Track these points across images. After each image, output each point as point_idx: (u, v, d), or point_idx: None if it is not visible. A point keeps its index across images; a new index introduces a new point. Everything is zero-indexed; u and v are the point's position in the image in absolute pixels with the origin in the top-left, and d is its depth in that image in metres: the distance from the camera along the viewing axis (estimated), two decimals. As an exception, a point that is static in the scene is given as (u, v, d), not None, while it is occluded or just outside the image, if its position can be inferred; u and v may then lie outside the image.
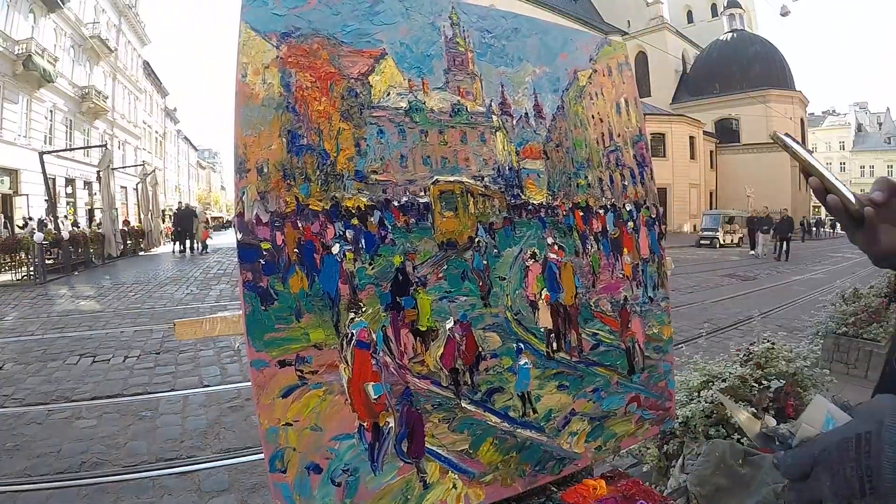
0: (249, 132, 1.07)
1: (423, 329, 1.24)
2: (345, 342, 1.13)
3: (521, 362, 1.39)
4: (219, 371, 4.73)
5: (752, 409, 2.10)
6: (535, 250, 1.47)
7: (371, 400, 1.15)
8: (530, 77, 1.53)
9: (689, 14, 43.72)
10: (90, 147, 21.41)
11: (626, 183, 1.74)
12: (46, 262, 11.73)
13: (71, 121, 21.71)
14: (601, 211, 1.65)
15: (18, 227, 13.47)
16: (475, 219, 1.36)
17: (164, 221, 22.39)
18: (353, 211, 1.18)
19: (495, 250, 1.39)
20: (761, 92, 35.16)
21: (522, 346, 1.40)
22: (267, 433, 1.03)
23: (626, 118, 1.75)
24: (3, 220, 15.00)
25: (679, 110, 36.34)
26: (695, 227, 27.92)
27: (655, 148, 29.81)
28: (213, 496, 2.65)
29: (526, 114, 1.51)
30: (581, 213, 1.59)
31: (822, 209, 0.83)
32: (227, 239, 23.57)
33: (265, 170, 1.08)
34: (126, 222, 20.48)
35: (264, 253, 1.06)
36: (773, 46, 37.67)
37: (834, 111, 65.98)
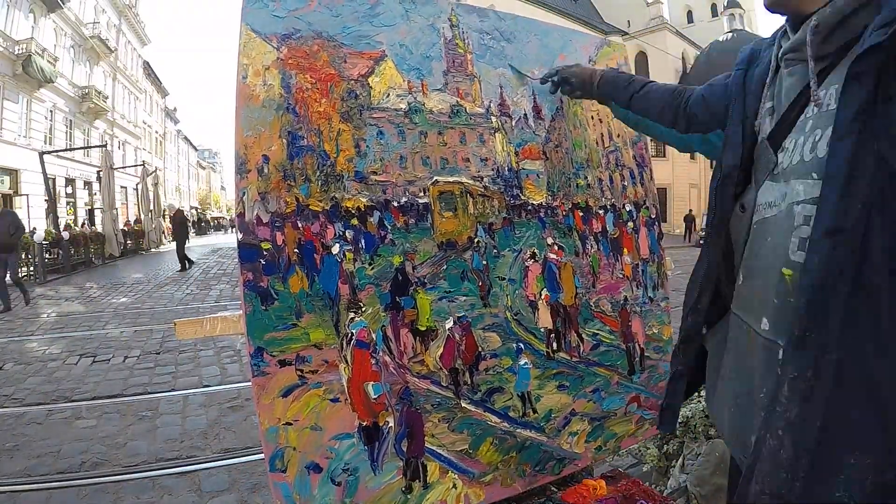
0: (250, 133, 1.07)
1: (423, 329, 1.25)
2: (344, 342, 1.13)
3: (521, 362, 1.39)
4: (218, 371, 4.73)
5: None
6: (535, 250, 1.47)
7: (371, 399, 1.15)
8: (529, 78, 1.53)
9: (689, 14, 43.71)
10: (90, 147, 21.40)
11: (625, 183, 1.74)
12: (46, 261, 11.74)
13: (71, 121, 21.69)
14: (601, 211, 1.65)
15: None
16: (475, 219, 1.37)
17: (165, 221, 22.40)
18: (353, 211, 1.19)
19: (495, 250, 1.40)
20: (761, 92, 35.12)
21: (522, 346, 1.40)
22: (267, 433, 1.04)
23: (625, 119, 1.75)
24: None
25: (679, 110, 36.23)
26: (695, 226, 27.88)
27: (656, 148, 29.83)
28: (213, 496, 2.65)
29: (525, 115, 1.52)
30: (581, 214, 1.60)
31: None
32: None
33: (266, 170, 1.09)
34: (128, 223, 20.51)
35: (265, 253, 1.07)
36: (773, 47, 37.60)
37: (834, 111, 65.89)
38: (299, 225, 1.11)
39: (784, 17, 0.85)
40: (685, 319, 0.98)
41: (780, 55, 0.83)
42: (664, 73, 39.19)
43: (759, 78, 0.88)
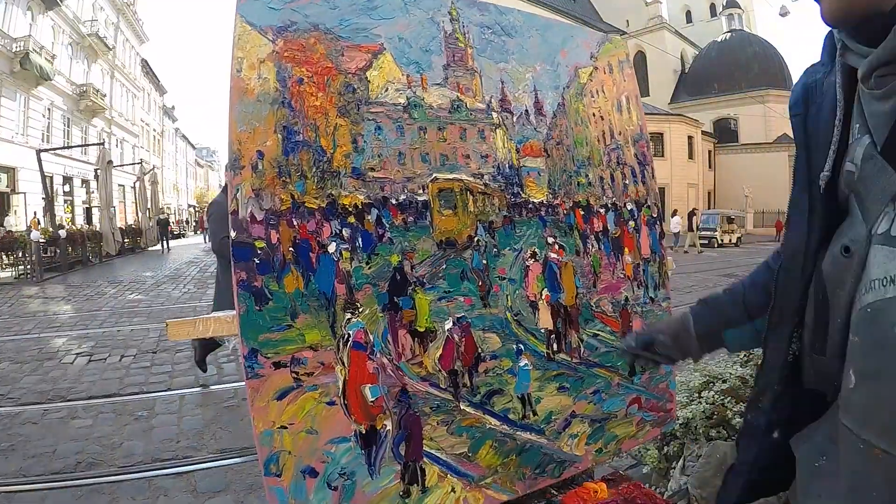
0: (244, 128, 1.04)
1: (422, 330, 1.22)
2: (341, 343, 1.11)
3: (521, 364, 1.37)
4: (215, 371, 4.70)
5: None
6: (536, 249, 1.45)
7: (368, 402, 1.13)
8: (531, 73, 1.51)
9: (688, 14, 43.70)
10: (88, 145, 21.32)
11: (626, 182, 1.72)
12: (43, 259, 11.69)
13: (69, 119, 21.61)
14: (602, 210, 1.63)
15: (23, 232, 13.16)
16: (474, 217, 1.34)
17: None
18: (350, 209, 1.16)
19: (495, 249, 1.37)
20: (760, 92, 35.18)
21: (522, 347, 1.38)
22: (262, 436, 1.01)
23: (627, 116, 1.73)
24: None
25: (678, 110, 36.31)
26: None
27: (654, 148, 29.78)
28: (209, 497, 2.62)
29: (526, 111, 1.49)
30: (582, 212, 1.57)
31: None
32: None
33: (260, 166, 1.06)
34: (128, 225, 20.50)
35: (259, 252, 1.04)
36: (771, 47, 37.66)
37: (832, 111, 66.03)
38: (294, 223, 1.08)
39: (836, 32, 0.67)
40: (745, 413, 0.81)
41: (861, 78, 0.61)
42: (663, 72, 39.23)
43: (827, 121, 0.67)
